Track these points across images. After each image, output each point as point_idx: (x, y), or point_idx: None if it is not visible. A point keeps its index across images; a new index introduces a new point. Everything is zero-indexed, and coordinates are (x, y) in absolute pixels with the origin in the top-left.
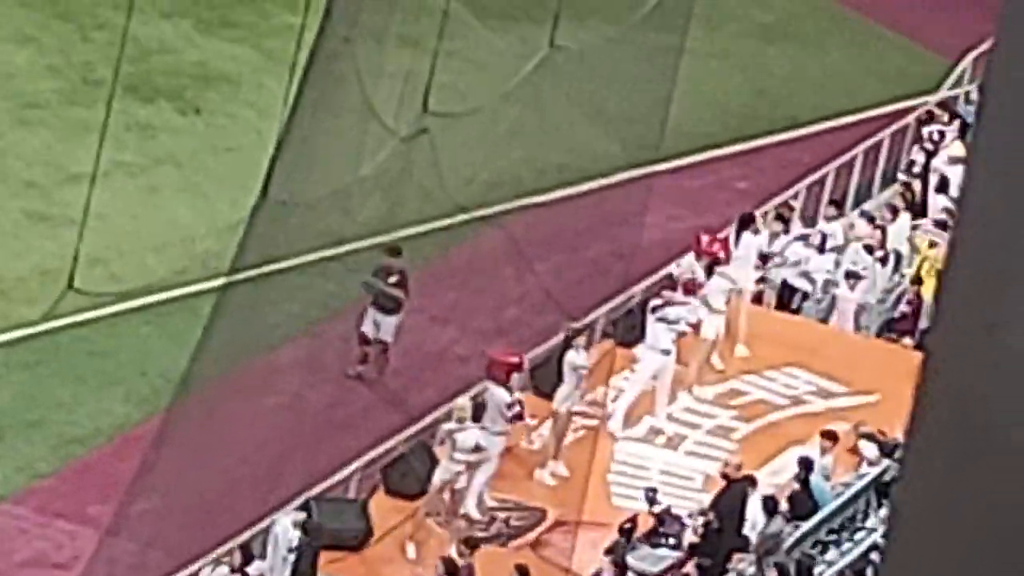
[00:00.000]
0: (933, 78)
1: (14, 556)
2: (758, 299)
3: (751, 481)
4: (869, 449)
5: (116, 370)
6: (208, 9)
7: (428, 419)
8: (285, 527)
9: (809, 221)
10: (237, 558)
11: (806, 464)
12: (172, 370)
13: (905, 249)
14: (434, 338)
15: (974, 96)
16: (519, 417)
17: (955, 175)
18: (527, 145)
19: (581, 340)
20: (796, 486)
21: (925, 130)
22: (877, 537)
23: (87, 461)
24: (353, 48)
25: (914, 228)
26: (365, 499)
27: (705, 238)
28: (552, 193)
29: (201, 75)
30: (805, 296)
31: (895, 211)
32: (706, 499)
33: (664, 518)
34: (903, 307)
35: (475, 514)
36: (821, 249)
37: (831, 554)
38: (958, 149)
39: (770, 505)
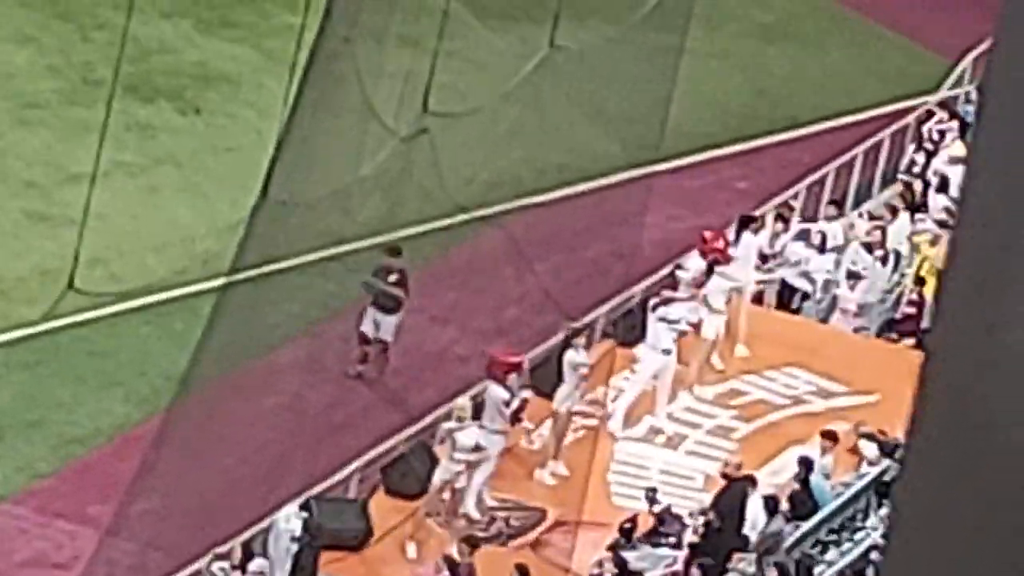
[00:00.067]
0: (933, 78)
1: (14, 556)
2: (758, 299)
3: (751, 481)
4: (869, 449)
5: (116, 370)
6: (208, 9)
7: (428, 419)
8: (287, 516)
9: (809, 221)
10: (237, 555)
11: (806, 464)
12: (172, 370)
13: (905, 249)
14: (434, 338)
15: (974, 96)
16: (519, 412)
17: (955, 175)
18: (527, 145)
19: (581, 340)
20: (796, 486)
21: (925, 130)
22: (877, 537)
23: (87, 461)
24: (353, 48)
25: (914, 228)
26: (365, 499)
27: (708, 234)
28: (552, 193)
29: (201, 75)
30: (805, 296)
31: (895, 211)
32: (706, 499)
33: (664, 518)
34: (906, 308)
35: (475, 514)
36: (821, 249)
37: (831, 554)
38: (958, 149)
39: (771, 505)
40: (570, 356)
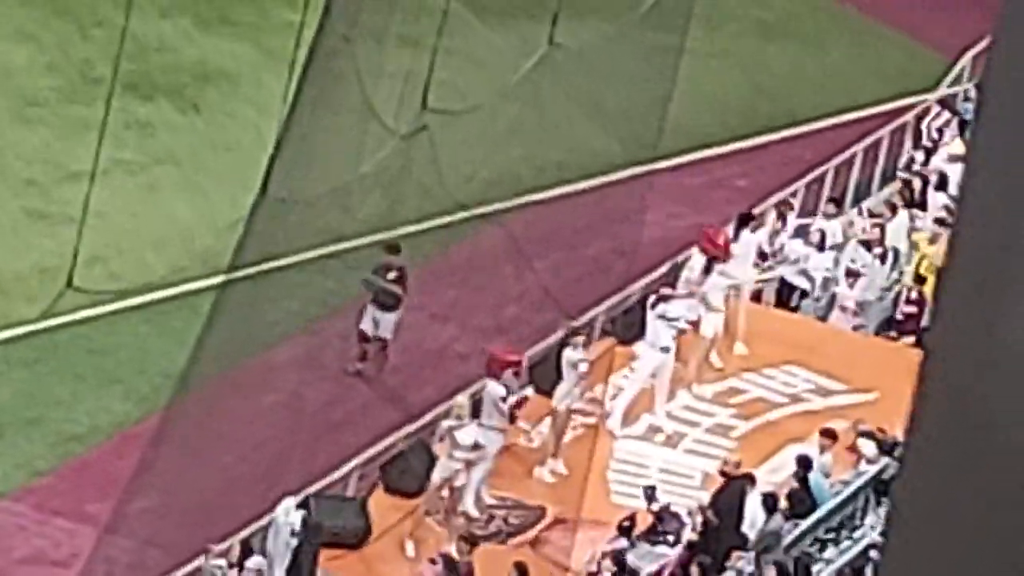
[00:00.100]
0: (933, 76)
1: (13, 553)
2: (757, 297)
3: (750, 479)
4: (868, 447)
5: (115, 368)
6: (207, 7)
7: (427, 417)
8: (286, 509)
9: (808, 219)
10: (235, 553)
11: (805, 462)
12: (171, 368)
13: (904, 246)
14: (434, 335)
15: (973, 94)
16: (516, 409)
17: (954, 173)
18: (527, 143)
19: (580, 338)
20: (795, 484)
21: (924, 128)
22: (875, 535)
23: (86, 459)
24: (353, 46)
25: (912, 226)
26: (364, 497)
27: (710, 231)
28: (552, 191)
29: (200, 73)
30: (804, 294)
31: (894, 208)
32: (705, 497)
33: (663, 516)
34: (907, 307)
35: (473, 512)
36: (820, 247)
37: (830, 552)
38: (957, 147)
39: (770, 503)
40: (569, 354)
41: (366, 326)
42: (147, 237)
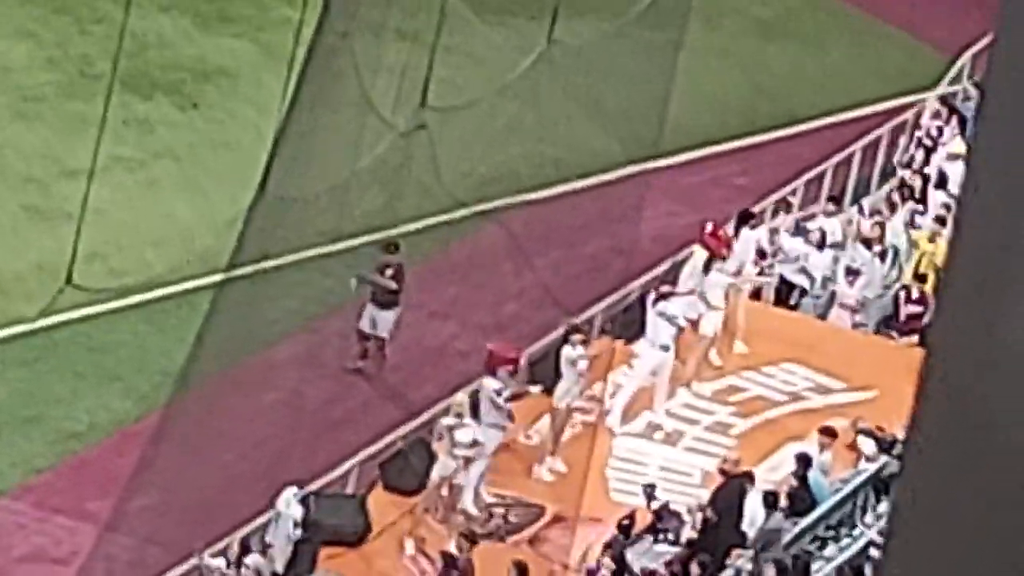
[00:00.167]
0: (933, 75)
1: (12, 551)
2: (756, 295)
3: (749, 477)
4: (867, 445)
5: (115, 366)
6: (206, 4)
7: (427, 415)
8: (287, 500)
9: (807, 217)
10: (234, 550)
11: (804, 460)
12: (171, 366)
13: (903, 245)
14: (433, 333)
15: (972, 92)
16: (515, 398)
17: (953, 171)
18: (525, 140)
19: (579, 336)
20: (794, 482)
21: (923, 126)
22: (875, 533)
23: (85, 457)
24: (351, 43)
25: (912, 224)
26: (363, 495)
27: (709, 227)
28: (550, 189)
29: (199, 70)
30: (804, 292)
31: (893, 207)
32: (704, 495)
33: (662, 514)
34: (912, 307)
35: (472, 510)
36: (820, 245)
37: (829, 550)
38: (957, 145)
39: (769, 501)
40: (568, 352)
41: (364, 325)
42: (146, 234)
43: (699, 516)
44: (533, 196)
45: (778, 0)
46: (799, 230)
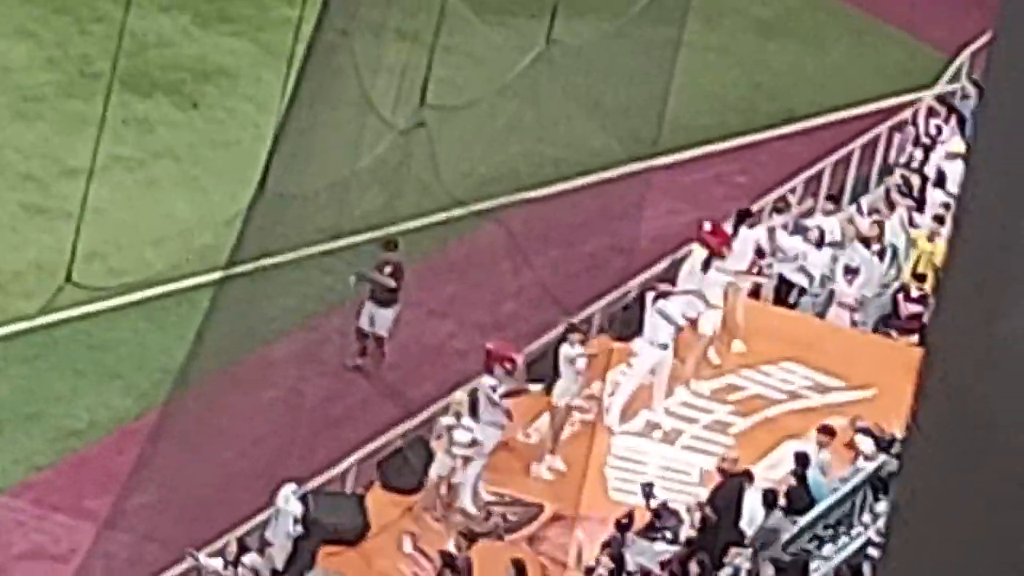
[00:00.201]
0: (933, 74)
1: (11, 549)
2: (755, 294)
3: (748, 476)
4: (866, 444)
5: (114, 364)
6: (206, 3)
7: (425, 414)
8: (286, 496)
9: (806, 216)
10: (232, 549)
11: (802, 459)
12: (170, 364)
13: (902, 243)
14: (432, 331)
15: (970, 91)
16: (514, 395)
17: (952, 170)
18: (524, 139)
19: (578, 334)
20: (793, 481)
21: (922, 125)
22: (873, 532)
23: (85, 454)
24: (351, 41)
25: (911, 223)
26: (362, 493)
27: (707, 226)
28: (549, 187)
29: (199, 69)
30: (802, 291)
31: (892, 205)
32: (703, 494)
33: (661, 513)
34: (912, 306)
35: (471, 508)
36: (819, 244)
37: (827, 549)
38: (956, 144)
39: (769, 499)
40: (567, 350)
41: (363, 323)
42: (146, 233)
43: (698, 515)
44: (532, 195)
45: None
46: (798, 228)
